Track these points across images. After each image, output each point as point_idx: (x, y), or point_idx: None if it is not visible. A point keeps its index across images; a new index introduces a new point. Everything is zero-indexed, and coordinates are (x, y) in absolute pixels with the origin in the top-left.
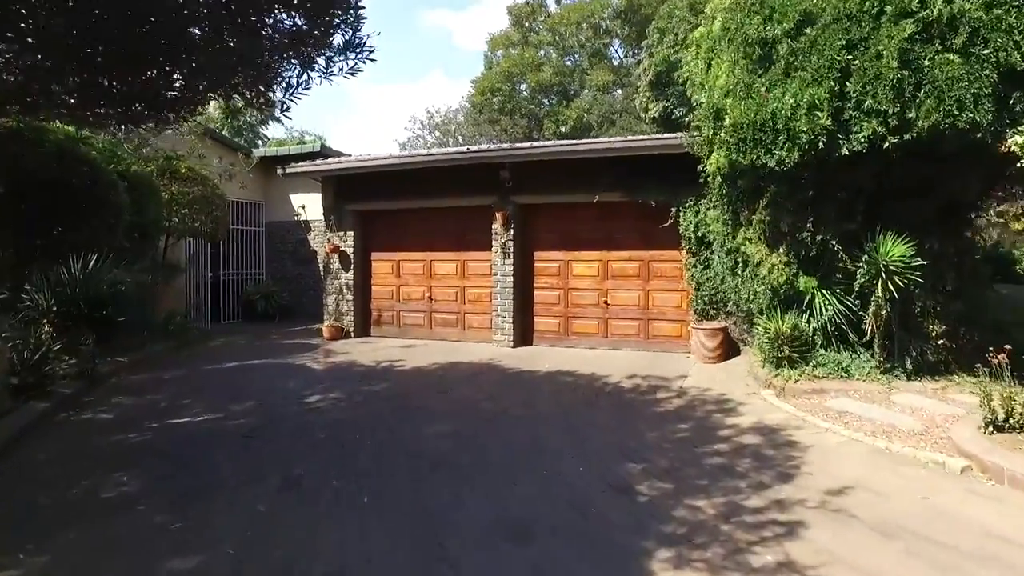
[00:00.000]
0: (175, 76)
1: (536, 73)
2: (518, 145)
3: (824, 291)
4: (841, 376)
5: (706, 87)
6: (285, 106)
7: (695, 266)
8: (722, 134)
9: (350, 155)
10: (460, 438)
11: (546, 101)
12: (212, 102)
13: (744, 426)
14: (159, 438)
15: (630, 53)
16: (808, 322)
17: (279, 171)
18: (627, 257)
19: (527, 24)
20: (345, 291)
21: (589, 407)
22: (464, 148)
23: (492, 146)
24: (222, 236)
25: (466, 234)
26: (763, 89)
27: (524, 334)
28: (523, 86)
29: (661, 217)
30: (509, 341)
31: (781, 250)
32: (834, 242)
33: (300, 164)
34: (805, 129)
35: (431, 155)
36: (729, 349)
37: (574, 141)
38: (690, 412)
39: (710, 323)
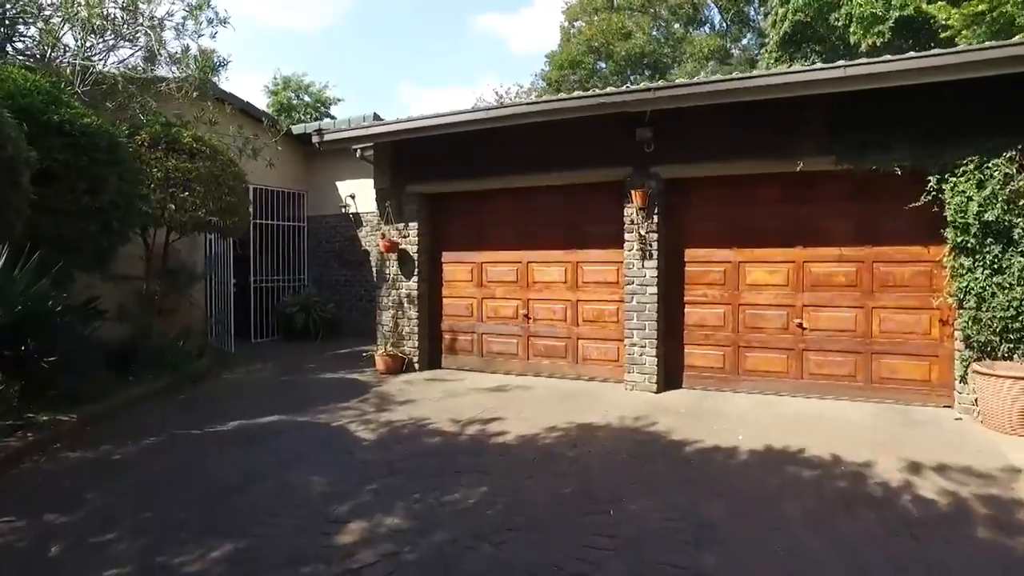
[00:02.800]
0: None
1: (625, 42)
2: (672, 84)
3: None
4: None
5: None
6: None
7: (970, 270)
8: None
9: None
10: None
11: (634, 78)
12: None
13: None
14: None
15: (734, 15)
16: None
17: (315, 139)
18: (835, 256)
19: None
20: (406, 305)
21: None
22: (582, 93)
23: (627, 88)
24: (241, 231)
25: (581, 224)
26: None
27: (670, 372)
28: (603, 65)
29: (899, 194)
30: (650, 382)
31: None
32: None
33: (343, 129)
34: None
35: (532, 103)
36: None
37: (770, 72)
38: None
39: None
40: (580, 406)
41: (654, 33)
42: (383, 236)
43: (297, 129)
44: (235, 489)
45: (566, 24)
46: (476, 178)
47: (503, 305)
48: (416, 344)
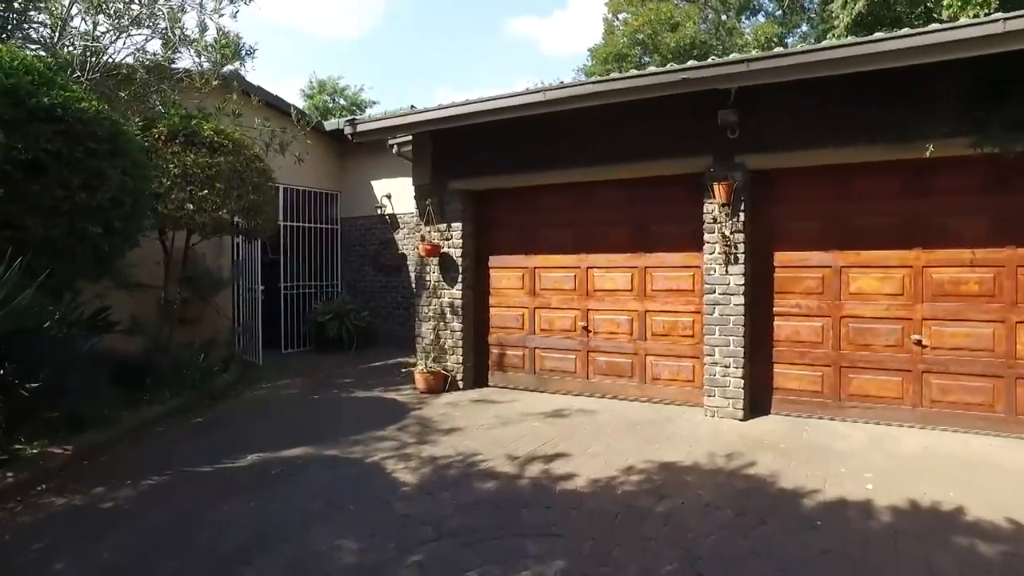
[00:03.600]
0: None
1: (674, 33)
2: (772, 54)
3: None
4: None
5: None
6: None
7: None
8: None
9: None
10: None
11: None
12: None
13: None
14: None
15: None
16: None
17: (347, 130)
18: (966, 260)
19: None
20: (449, 316)
21: None
22: (658, 68)
23: (715, 60)
24: (267, 233)
25: (650, 223)
26: None
27: (757, 395)
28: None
29: None
30: (735, 408)
31: None
32: None
33: (378, 119)
34: None
35: (600, 81)
36: None
37: (899, 34)
38: None
39: None
40: (655, 437)
41: (702, 26)
42: (423, 239)
43: (330, 125)
44: (241, 559)
45: (609, 16)
46: (528, 172)
47: (559, 316)
48: (460, 359)
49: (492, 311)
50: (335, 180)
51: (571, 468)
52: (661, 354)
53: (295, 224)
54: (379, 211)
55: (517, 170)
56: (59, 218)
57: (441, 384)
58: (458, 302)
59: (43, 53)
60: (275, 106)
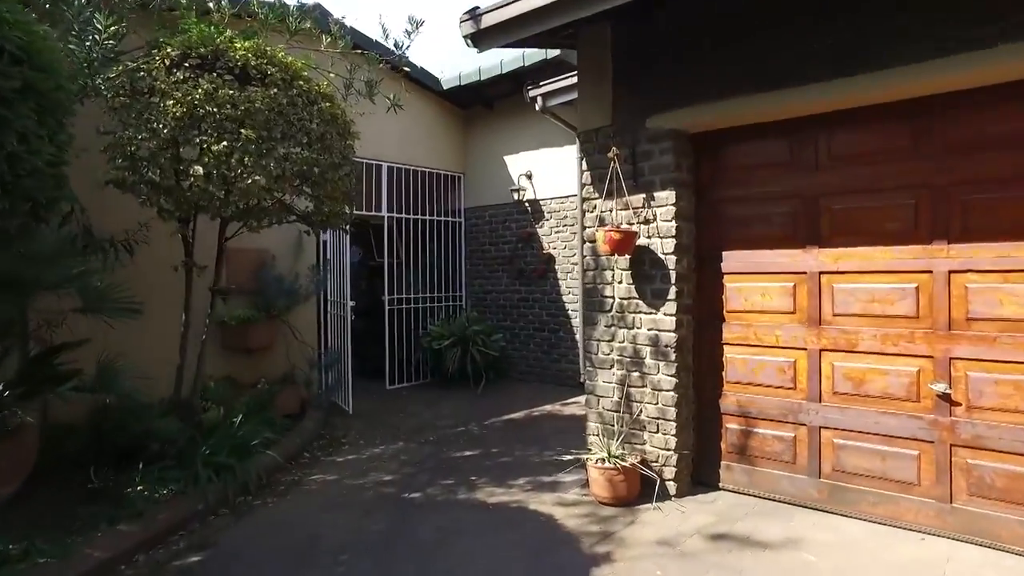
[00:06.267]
0: None
1: None
2: None
3: None
4: None
5: None
6: None
7: None
8: None
9: None
10: None
11: None
12: None
13: None
14: None
15: None
16: None
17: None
18: None
19: None
20: (648, 360)
21: None
22: None
23: None
24: (341, 220)
25: None
26: None
27: None
28: None
29: None
30: None
31: None
32: None
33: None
34: None
35: None
36: None
37: None
38: None
39: None
40: None
41: None
42: (601, 223)
43: (449, 80)
44: None
45: None
46: (802, 83)
47: (879, 368)
48: (671, 441)
49: (728, 353)
50: (456, 157)
51: None
52: None
53: (404, 216)
54: (516, 196)
55: (782, 81)
56: None
57: (635, 488)
58: (668, 336)
59: None
60: (364, 49)
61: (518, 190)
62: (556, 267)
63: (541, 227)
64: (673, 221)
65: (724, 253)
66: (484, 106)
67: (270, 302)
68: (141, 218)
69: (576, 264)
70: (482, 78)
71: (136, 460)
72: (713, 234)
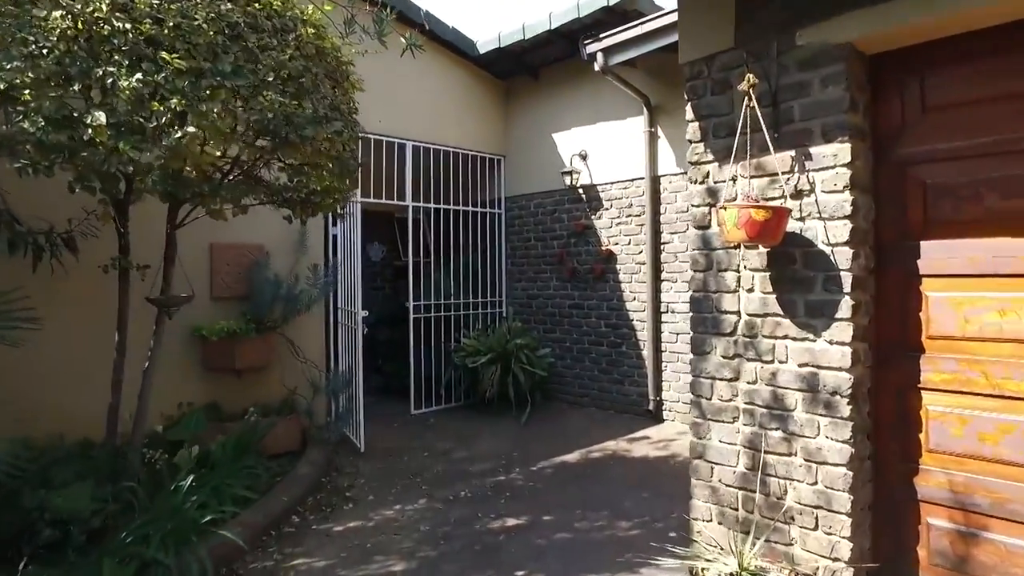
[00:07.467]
0: None
1: None
2: None
3: None
4: None
5: None
6: None
7: None
8: None
9: None
10: None
11: None
12: None
13: None
14: None
15: None
16: None
17: None
18: None
19: None
20: (800, 409)
21: None
22: None
23: None
24: (331, 204)
25: None
26: None
27: None
28: None
29: None
30: None
31: None
32: None
33: None
34: None
35: None
36: None
37: None
38: None
39: None
40: None
41: None
42: (710, 200)
43: (487, 43)
44: None
45: None
46: None
47: None
48: (843, 547)
49: (931, 405)
50: (495, 136)
51: None
52: None
53: (432, 206)
54: (568, 181)
55: None
56: None
57: None
58: (835, 377)
59: None
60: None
61: (570, 173)
62: (617, 267)
63: (599, 218)
64: (846, 192)
65: (923, 244)
66: (528, 75)
67: (263, 311)
68: (88, 205)
69: (643, 263)
70: (526, 36)
71: (21, 552)
72: (902, 214)
